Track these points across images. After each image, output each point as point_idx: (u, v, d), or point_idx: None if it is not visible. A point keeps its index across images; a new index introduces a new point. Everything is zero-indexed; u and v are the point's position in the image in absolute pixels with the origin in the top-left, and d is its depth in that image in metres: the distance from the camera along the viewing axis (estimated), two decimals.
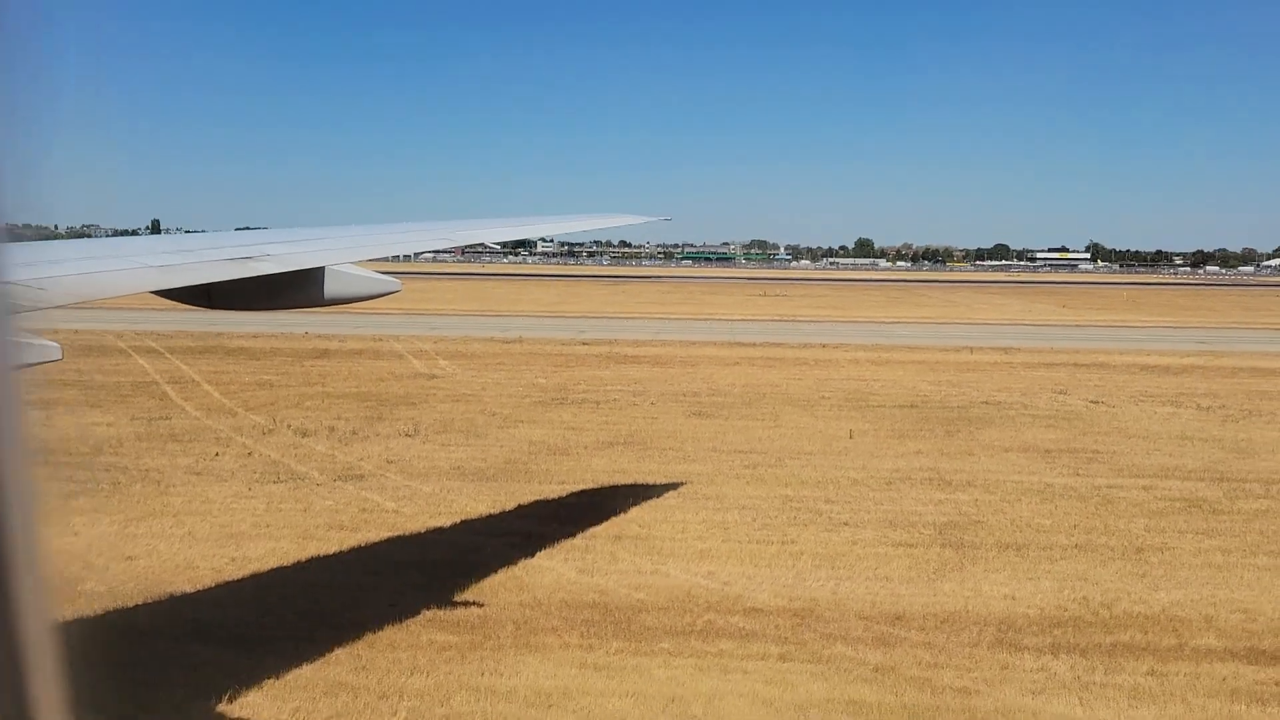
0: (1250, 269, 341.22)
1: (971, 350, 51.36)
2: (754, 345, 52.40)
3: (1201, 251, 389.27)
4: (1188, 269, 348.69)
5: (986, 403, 34.02)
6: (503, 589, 15.10)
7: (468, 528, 18.57)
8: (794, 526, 18.77)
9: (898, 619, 14.16)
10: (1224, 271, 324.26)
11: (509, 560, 16.32)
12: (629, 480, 22.23)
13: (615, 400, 33.30)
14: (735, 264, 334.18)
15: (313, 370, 39.37)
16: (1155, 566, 16.69)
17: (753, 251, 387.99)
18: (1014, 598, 15.06)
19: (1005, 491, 21.68)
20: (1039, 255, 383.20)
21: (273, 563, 16.20)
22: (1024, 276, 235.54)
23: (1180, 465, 24.65)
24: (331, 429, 27.52)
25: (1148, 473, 23.78)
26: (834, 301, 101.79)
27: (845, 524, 18.98)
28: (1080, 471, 23.81)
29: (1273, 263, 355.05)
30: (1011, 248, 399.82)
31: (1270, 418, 31.75)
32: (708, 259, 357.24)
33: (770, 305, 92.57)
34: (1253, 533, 18.73)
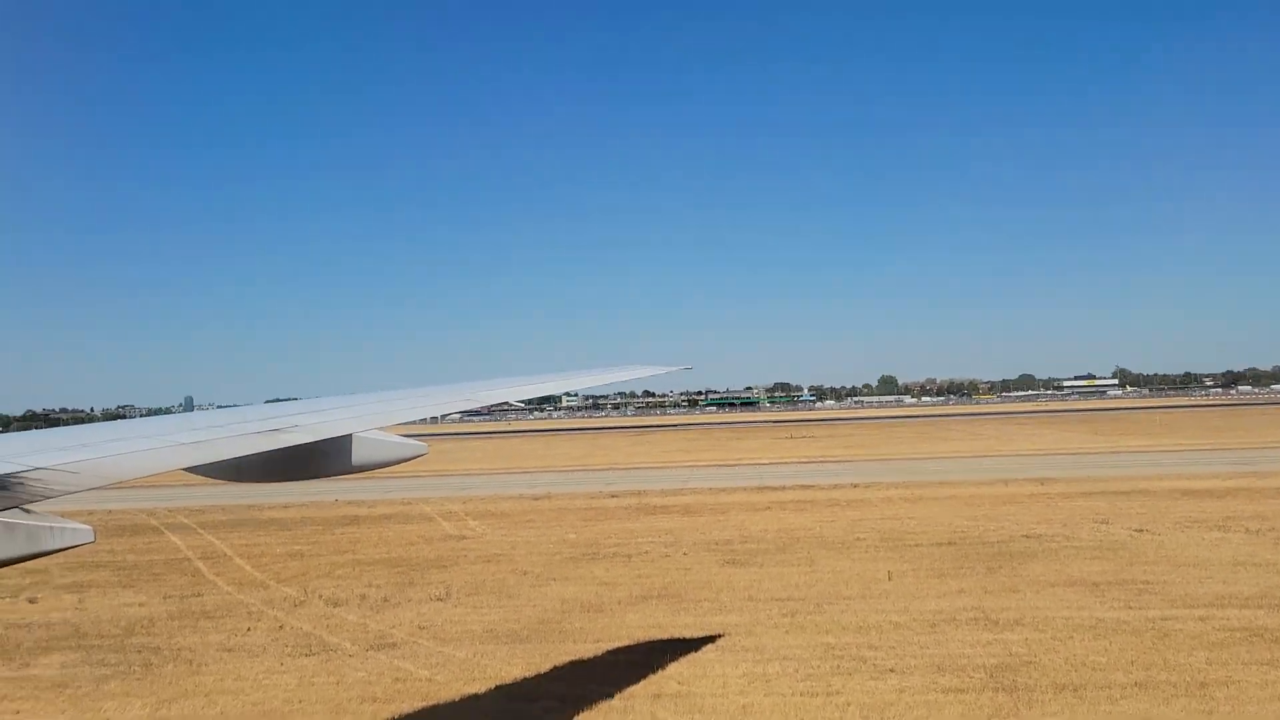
0: None
1: (1006, 483, 50.60)
2: (784, 489, 51.89)
3: (1231, 371, 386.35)
4: (1219, 390, 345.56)
5: (1027, 536, 33.28)
6: None
7: (503, 693, 18.07)
8: (838, 676, 18.15)
9: None
10: (1257, 390, 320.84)
11: None
12: (665, 635, 21.70)
13: (647, 552, 32.84)
14: (760, 408, 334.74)
15: (343, 538, 39.20)
16: (1221, 702, 15.94)
17: (777, 394, 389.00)
18: None
19: (1056, 629, 20.97)
20: (1065, 384, 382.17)
21: None
22: (1052, 405, 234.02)
23: (1236, 593, 23.83)
24: (363, 597, 27.19)
25: (1202, 602, 22.99)
26: (862, 440, 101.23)
27: (891, 671, 18.35)
28: (1132, 604, 23.06)
29: None
30: (1037, 377, 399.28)
31: None
32: (732, 404, 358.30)
33: (798, 447, 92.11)
34: None
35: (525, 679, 18.86)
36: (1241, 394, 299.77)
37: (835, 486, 52.11)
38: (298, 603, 26.75)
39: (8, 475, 6.66)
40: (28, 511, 6.68)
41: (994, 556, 29.75)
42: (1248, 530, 32.90)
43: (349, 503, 50.94)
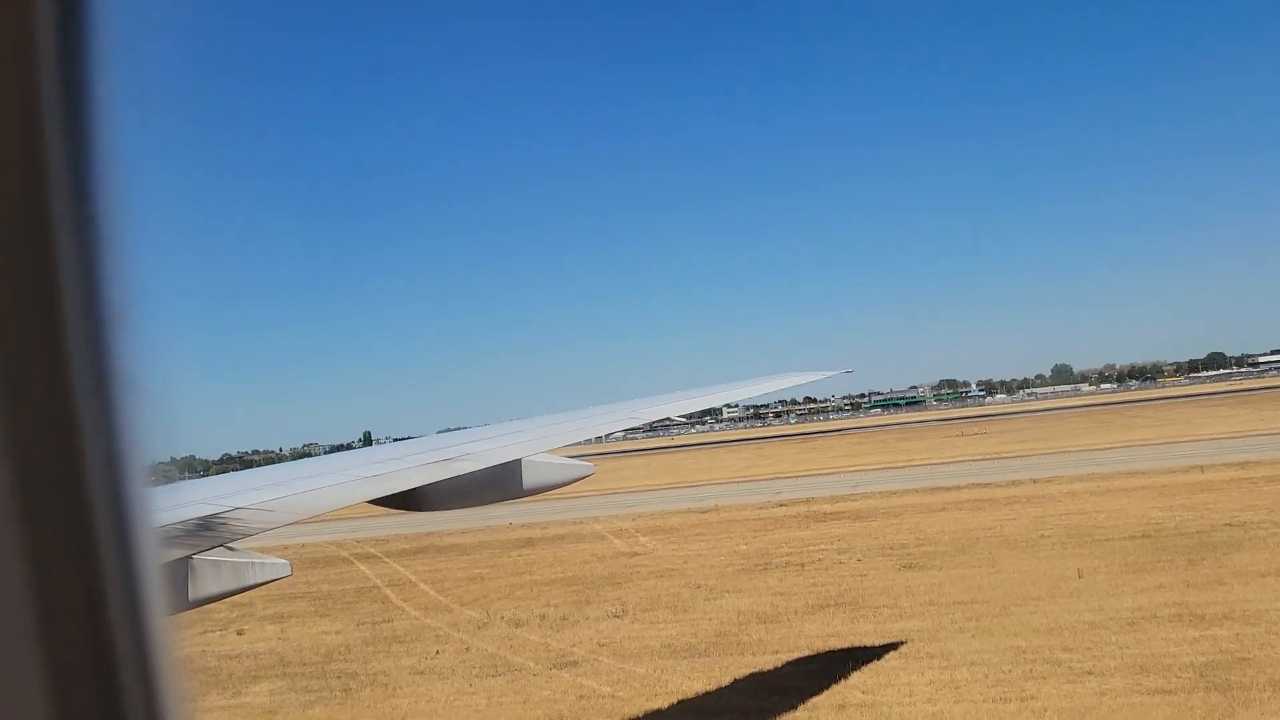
0: None
1: (1203, 469, 47.49)
2: (958, 488, 50.25)
3: None
4: None
5: (1230, 525, 31.14)
6: None
7: (685, 708, 18.13)
8: (1031, 680, 17.40)
9: None
10: None
11: None
12: (845, 644, 21.32)
13: (820, 560, 32.39)
14: (926, 406, 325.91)
15: (520, 560, 40.25)
16: None
17: (943, 392, 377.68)
18: None
19: (1270, 622, 19.52)
20: (1261, 359, 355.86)
21: None
22: (1248, 384, 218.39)
23: None
24: (542, 617, 27.83)
25: None
26: (1038, 433, 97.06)
27: (1089, 673, 17.46)
28: None
29: None
30: (1228, 354, 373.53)
31: None
32: (896, 405, 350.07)
33: (970, 444, 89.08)
34: None
35: (706, 693, 18.87)
36: None
37: (1013, 483, 50.12)
38: (481, 624, 27.61)
39: (212, 516, 7.15)
40: (231, 549, 7.15)
41: (1194, 548, 27.96)
42: None
43: (522, 525, 52.25)
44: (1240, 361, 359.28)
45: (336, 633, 28.76)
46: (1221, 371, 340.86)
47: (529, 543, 45.50)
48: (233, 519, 7.21)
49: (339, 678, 23.07)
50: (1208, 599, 21.95)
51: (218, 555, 6.96)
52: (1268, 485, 39.56)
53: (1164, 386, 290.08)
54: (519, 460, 10.41)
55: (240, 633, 29.97)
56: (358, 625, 29.50)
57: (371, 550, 47.73)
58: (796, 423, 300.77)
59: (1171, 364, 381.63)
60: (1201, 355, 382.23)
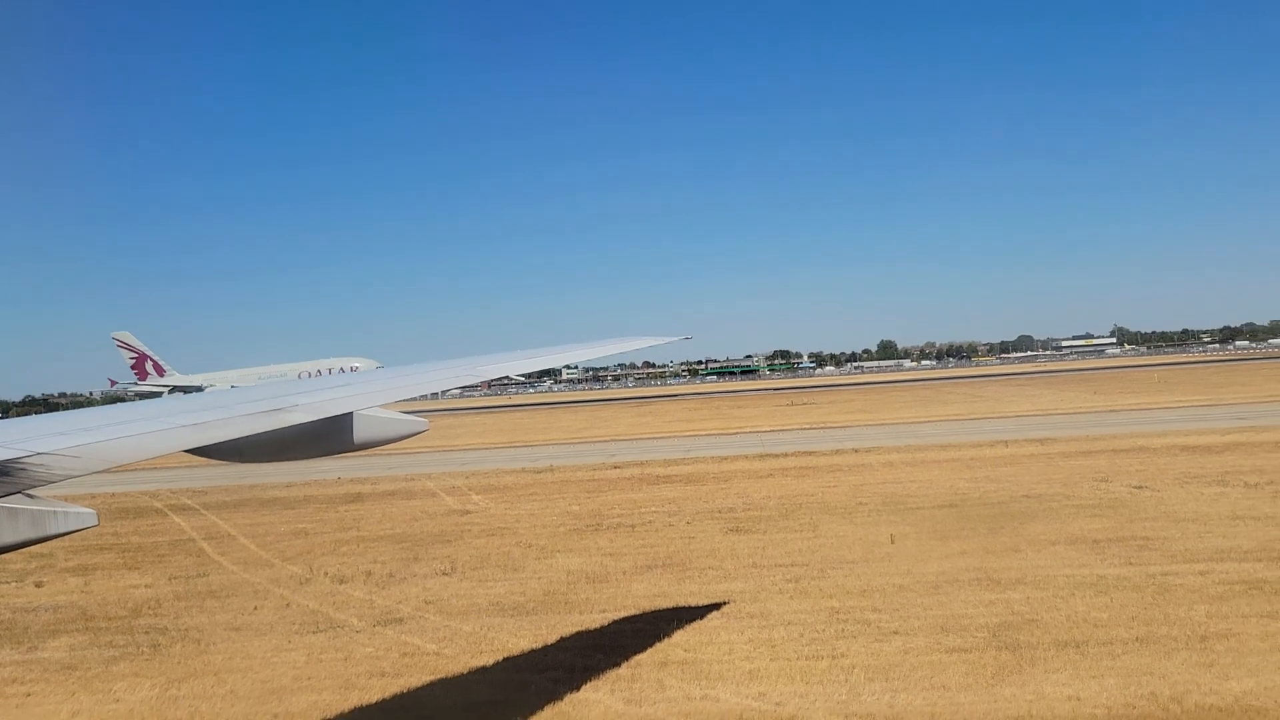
0: None
1: (1007, 444, 50.76)
2: (786, 455, 52.05)
3: (1229, 327, 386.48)
4: (1216, 346, 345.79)
5: (1028, 496, 33.44)
6: None
7: (511, 665, 18.23)
8: (843, 639, 18.31)
9: None
10: (1254, 345, 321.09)
11: (554, 696, 15.97)
12: (671, 603, 21.86)
13: (651, 522, 33.01)
14: (760, 375, 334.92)
15: (347, 515, 39.36)
16: (1222, 655, 16.10)
17: (776, 362, 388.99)
18: (1079, 699, 14.53)
19: (1057, 587, 21.13)
20: (1064, 343, 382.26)
21: (315, 716, 15.91)
22: (1051, 366, 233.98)
23: (1235, 547, 23.99)
24: (369, 573, 27.36)
25: (1202, 557, 23.16)
26: (862, 405, 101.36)
27: (895, 633, 18.51)
28: (1132, 560, 23.22)
29: None
30: (1035, 338, 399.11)
31: None
32: (732, 373, 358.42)
33: (799, 414, 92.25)
34: None
35: (532, 650, 19.02)
36: (1239, 349, 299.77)
37: (837, 452, 52.28)
38: (304, 580, 26.92)
39: (10, 461, 6.69)
40: (31, 497, 6.72)
41: (995, 517, 29.91)
42: (1246, 484, 33.06)
43: (351, 480, 51.10)
44: (1046, 345, 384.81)
45: (146, 586, 27.48)
46: (1029, 353, 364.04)
47: (358, 498, 44.52)
48: (33, 464, 6.76)
49: (147, 633, 22.09)
50: (1004, 565, 23.55)
51: (14, 502, 6.52)
52: (1063, 460, 42.63)
53: (977, 365, 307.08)
54: (351, 414, 10.17)
55: (39, 584, 28.26)
56: (170, 579, 28.27)
57: (188, 502, 45.70)
58: (635, 386, 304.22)
59: (985, 344, 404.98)
60: (1012, 337, 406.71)
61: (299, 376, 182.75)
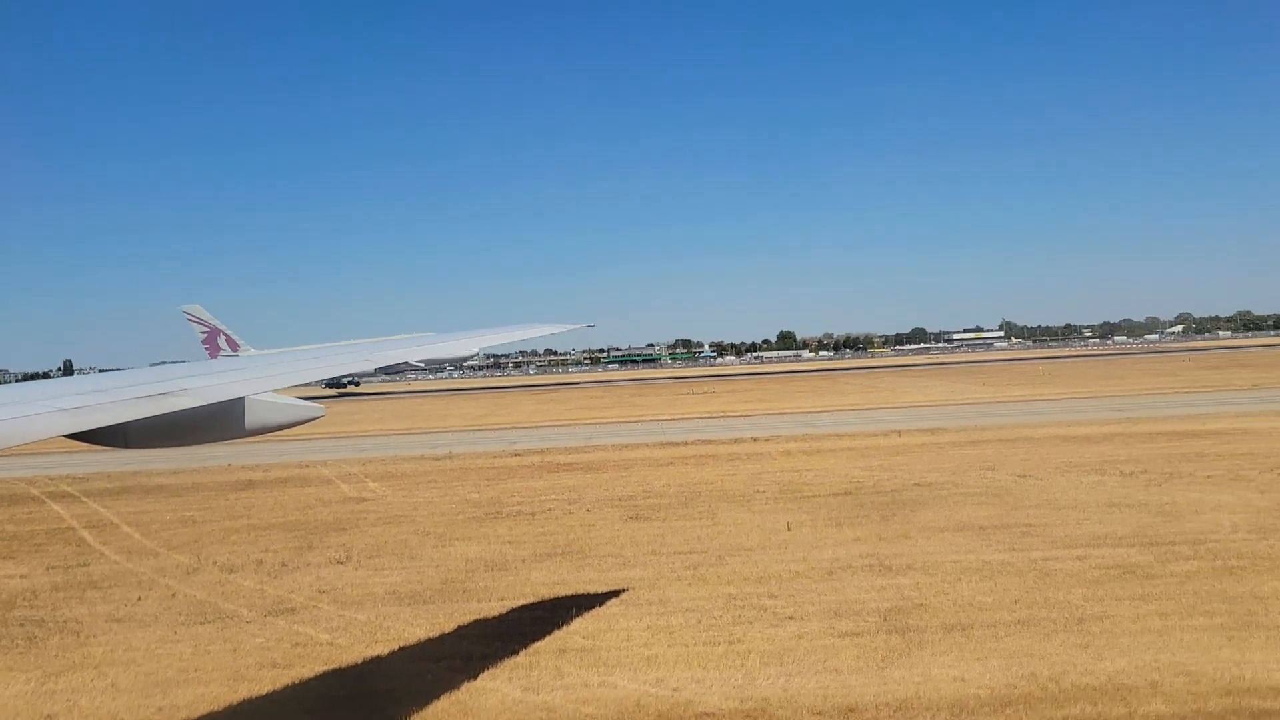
0: (1155, 336, 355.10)
1: (900, 433, 52.11)
2: (686, 444, 52.50)
3: (1108, 323, 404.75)
4: (1096, 340, 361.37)
5: (919, 484, 34.39)
6: (446, 716, 14.61)
7: (407, 654, 17.99)
8: (739, 625, 18.57)
9: (851, 711, 14.00)
10: (1130, 340, 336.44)
11: (451, 685, 15.82)
12: (570, 591, 21.86)
13: (550, 510, 32.94)
14: (662, 364, 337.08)
15: (237, 503, 38.27)
16: (1097, 636, 16.83)
17: (678, 351, 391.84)
18: (964, 679, 15.02)
19: (945, 572, 21.79)
20: (955, 336, 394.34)
21: (202, 709, 15.45)
22: (943, 358, 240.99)
23: (1111, 533, 25.09)
24: (259, 562, 26.67)
25: (1080, 542, 24.15)
26: (761, 395, 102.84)
27: (790, 618, 18.85)
28: (1016, 546, 24.08)
29: (1175, 329, 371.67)
30: (929, 330, 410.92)
31: (1190, 479, 32.63)
32: (634, 361, 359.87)
33: (699, 403, 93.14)
34: (1186, 594, 19.05)
35: (429, 639, 18.80)
36: (1117, 344, 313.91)
37: (736, 441, 52.94)
38: (190, 570, 26.10)
39: None
40: None
41: (888, 505, 30.69)
42: (1122, 473, 34.59)
43: (242, 467, 49.72)
44: (938, 337, 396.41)
45: (22, 576, 26.28)
46: (922, 345, 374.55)
47: (249, 485, 43.34)
48: None
49: (22, 625, 21.13)
50: (895, 551, 24.19)
51: None
52: (952, 449, 43.99)
53: (873, 356, 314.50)
54: (242, 398, 9.87)
55: None
56: (47, 569, 27.08)
57: (68, 489, 43.85)
58: (536, 374, 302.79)
59: (881, 336, 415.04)
60: (906, 330, 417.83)
61: None
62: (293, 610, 21.35)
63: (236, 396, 9.75)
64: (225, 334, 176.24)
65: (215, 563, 26.87)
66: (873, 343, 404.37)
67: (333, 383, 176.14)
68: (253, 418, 10.01)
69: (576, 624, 19.06)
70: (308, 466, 49.15)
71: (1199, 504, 28.22)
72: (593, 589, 21.84)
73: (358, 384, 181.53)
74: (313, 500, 38.03)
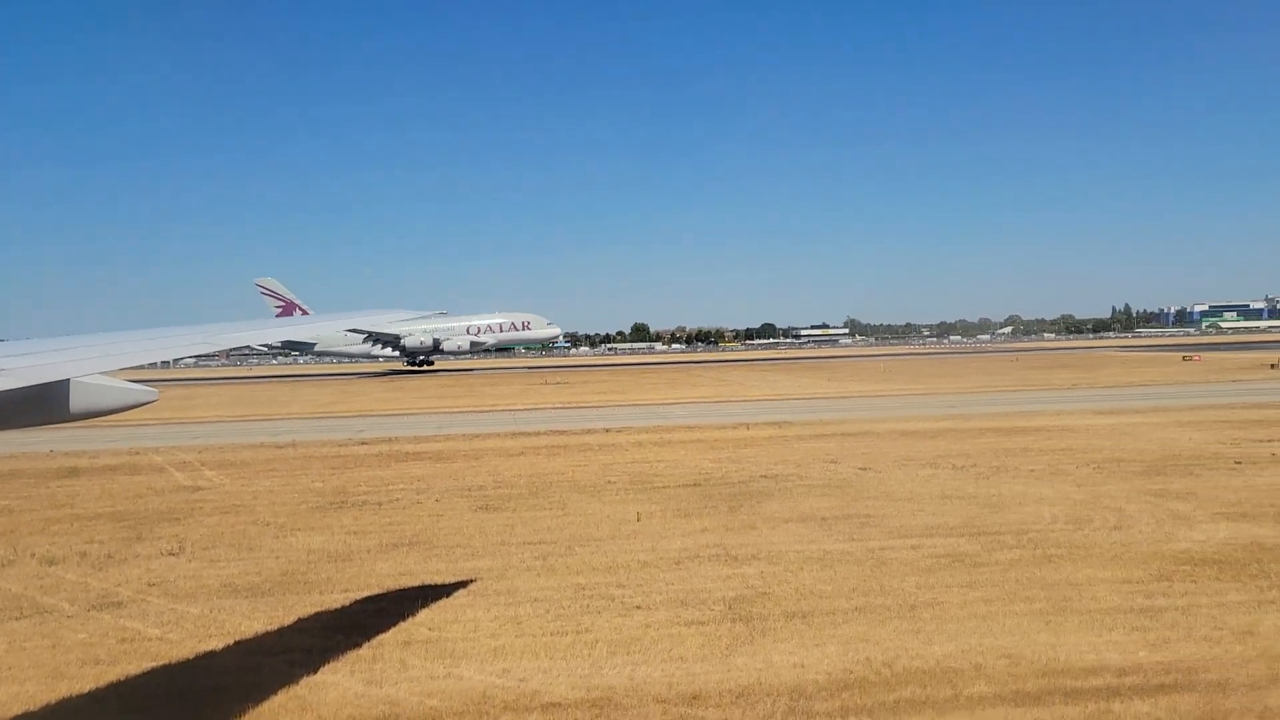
0: (987, 337, 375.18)
1: (748, 426, 53.30)
2: (538, 434, 52.35)
3: (945, 322, 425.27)
4: (933, 339, 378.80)
5: (765, 476, 35.26)
6: (283, 711, 14.14)
7: (242, 648, 17.34)
8: (587, 615, 18.66)
9: (695, 698, 14.26)
10: (965, 340, 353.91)
11: (290, 679, 15.32)
12: (416, 582, 21.49)
13: (398, 500, 32.30)
14: (515, 354, 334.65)
15: (59, 491, 36.04)
16: (928, 622, 17.64)
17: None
18: (803, 665, 15.50)
19: (788, 562, 22.42)
20: (803, 332, 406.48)
21: (16, 709, 14.49)
22: (791, 353, 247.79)
23: (943, 523, 26.32)
24: (83, 554, 25.20)
25: (915, 532, 25.25)
26: (614, 386, 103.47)
27: (638, 607, 19.05)
28: (855, 536, 25.00)
29: (1005, 330, 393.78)
30: (778, 326, 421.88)
31: (1015, 473, 34.55)
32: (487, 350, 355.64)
33: (552, 393, 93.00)
34: (1010, 582, 20.18)
35: (267, 633, 18.17)
36: (952, 343, 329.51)
37: (588, 431, 53.09)
38: (6, 562, 24.45)
39: None
40: None
41: (735, 496, 31.37)
42: (954, 467, 36.35)
43: (66, 453, 46.87)
44: (786, 333, 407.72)
45: None
46: (771, 341, 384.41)
47: (73, 473, 40.89)
48: None
49: None
50: (741, 541, 24.76)
51: None
52: (797, 442, 45.29)
53: (724, 350, 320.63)
54: (67, 380, 9.30)
55: None
56: None
57: None
58: (385, 360, 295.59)
59: (732, 330, 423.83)
60: (756, 325, 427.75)
61: (467, 330, 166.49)
62: (119, 604, 20.27)
63: (61, 378, 9.18)
64: (301, 309, 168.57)
65: (34, 554, 25.25)
66: (724, 337, 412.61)
67: (411, 360, 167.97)
68: (79, 400, 9.46)
69: (422, 615, 18.76)
70: (139, 453, 46.73)
71: (1022, 496, 29.91)
72: (440, 580, 21.55)
73: (431, 363, 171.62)
74: (144, 489, 36.17)
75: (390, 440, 50.96)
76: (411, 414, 71.05)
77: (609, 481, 35.11)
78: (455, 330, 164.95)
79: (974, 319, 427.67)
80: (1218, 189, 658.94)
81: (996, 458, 38.45)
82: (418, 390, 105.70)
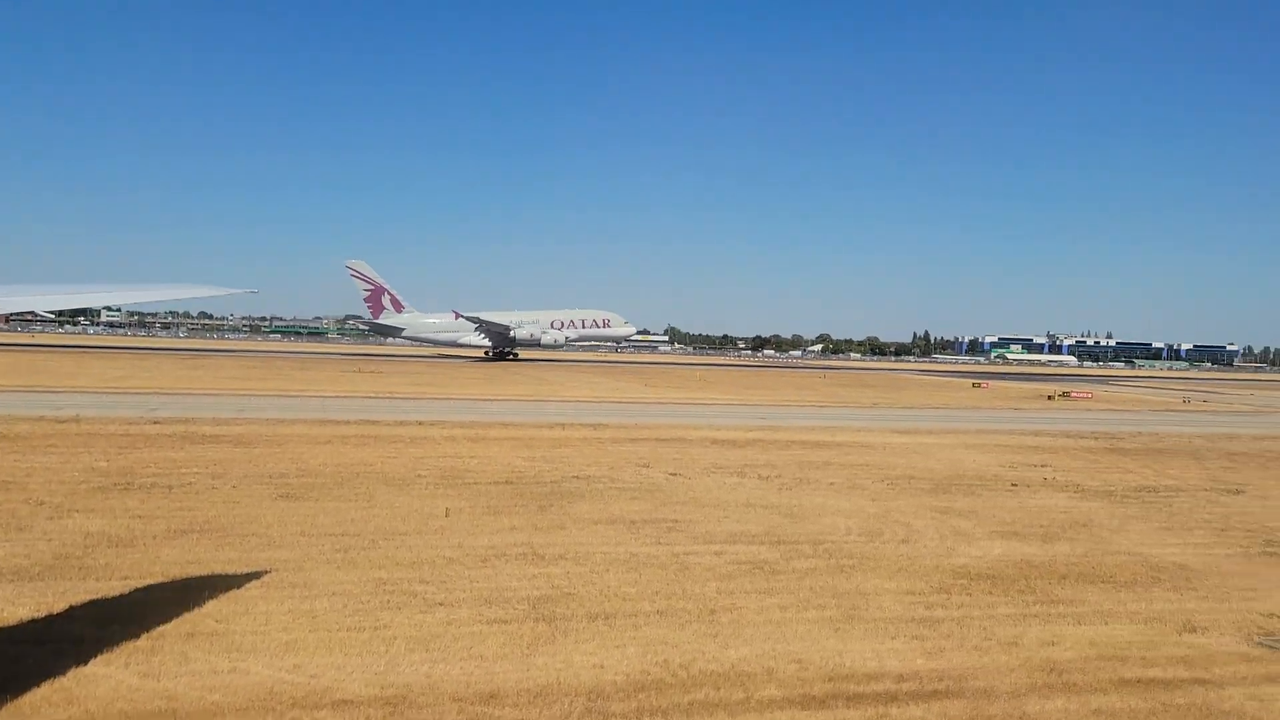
0: (799, 353, 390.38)
1: (564, 426, 53.40)
2: (348, 423, 50.76)
3: (759, 336, 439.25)
4: (749, 351, 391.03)
5: (578, 477, 35.40)
6: (46, 705, 13.13)
7: (4, 637, 16.00)
8: (387, 610, 18.21)
9: (491, 697, 14.13)
10: (778, 354, 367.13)
11: (56, 671, 14.24)
12: (206, 571, 20.40)
13: (191, 484, 30.62)
14: (328, 339, 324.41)
15: None
16: (726, 626, 18.12)
17: (348, 326, 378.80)
18: (602, 666, 15.62)
19: (595, 563, 22.57)
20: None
21: None
22: (611, 356, 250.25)
23: (746, 531, 27.12)
24: None
25: (719, 539, 25.90)
26: (431, 379, 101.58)
27: (440, 604, 18.74)
28: (661, 540, 25.41)
29: (816, 348, 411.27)
30: None
31: (816, 485, 36.00)
32: (299, 333, 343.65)
33: (365, 382, 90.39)
34: (804, 589, 20.99)
35: (34, 621, 16.83)
36: (765, 357, 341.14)
37: (400, 423, 51.90)
38: None
39: None
40: None
41: (547, 495, 31.34)
42: (760, 476, 37.54)
43: None
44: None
45: None
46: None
47: None
48: None
49: None
50: (550, 540, 24.75)
51: None
52: (612, 445, 45.71)
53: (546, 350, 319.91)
54: None
55: None
56: None
57: None
58: (187, 337, 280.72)
59: None
60: None
61: (552, 325, 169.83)
62: None
63: None
64: (390, 293, 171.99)
65: None
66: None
67: (498, 353, 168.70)
68: None
69: (210, 606, 17.83)
70: None
71: (821, 508, 31.19)
72: (232, 570, 20.54)
73: (517, 355, 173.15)
74: None
75: (186, 420, 48.26)
76: (210, 394, 67.53)
77: (419, 475, 34.41)
78: (541, 323, 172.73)
79: (788, 335, 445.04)
80: (1010, 235, 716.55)
81: (800, 470, 39.95)
82: (220, 370, 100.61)
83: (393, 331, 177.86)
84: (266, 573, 20.37)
